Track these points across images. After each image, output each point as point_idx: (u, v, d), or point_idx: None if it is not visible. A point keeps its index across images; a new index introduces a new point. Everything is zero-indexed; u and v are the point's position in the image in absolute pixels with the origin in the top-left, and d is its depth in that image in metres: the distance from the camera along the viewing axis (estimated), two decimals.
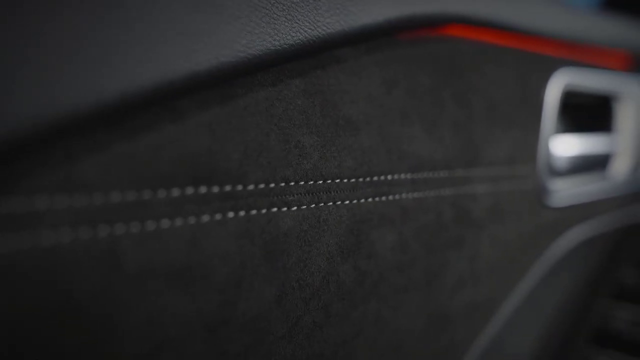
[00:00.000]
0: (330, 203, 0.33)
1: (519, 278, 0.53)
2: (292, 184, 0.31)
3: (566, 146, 0.60)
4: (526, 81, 0.50)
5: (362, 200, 0.35)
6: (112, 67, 0.23)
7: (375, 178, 0.36)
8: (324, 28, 0.33)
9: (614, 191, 0.66)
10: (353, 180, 0.34)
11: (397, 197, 0.37)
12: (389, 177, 0.37)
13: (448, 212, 0.41)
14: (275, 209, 0.30)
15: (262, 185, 0.29)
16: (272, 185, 0.30)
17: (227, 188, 0.28)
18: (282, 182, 0.30)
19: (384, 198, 0.36)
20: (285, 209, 0.31)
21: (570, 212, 0.59)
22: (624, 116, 0.69)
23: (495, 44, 0.47)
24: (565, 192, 0.58)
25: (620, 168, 0.69)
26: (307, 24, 0.32)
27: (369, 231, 0.35)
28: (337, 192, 0.33)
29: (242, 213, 0.28)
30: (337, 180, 0.33)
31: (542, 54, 0.54)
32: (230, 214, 0.28)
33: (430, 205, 0.40)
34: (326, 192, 0.33)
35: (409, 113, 0.38)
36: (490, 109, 0.45)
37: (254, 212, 0.29)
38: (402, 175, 0.38)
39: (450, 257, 0.42)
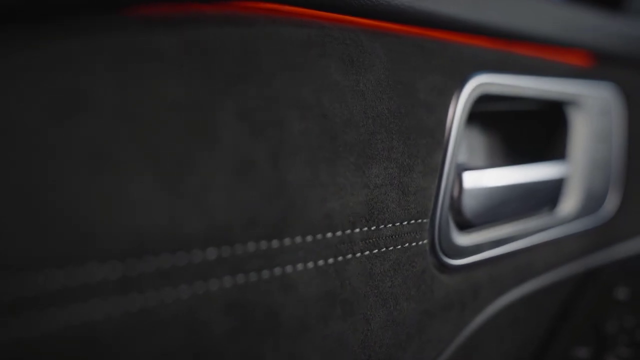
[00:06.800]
0: None
1: None
2: None
3: (490, 176, 0.42)
4: (413, 87, 0.32)
5: None
6: None
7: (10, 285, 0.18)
8: None
9: (558, 232, 0.48)
10: None
11: (74, 314, 0.19)
12: (48, 275, 0.19)
13: (220, 321, 0.24)
14: None
15: None
16: None
17: None
18: None
19: (31, 319, 0.18)
20: None
21: (491, 272, 0.41)
22: (576, 130, 0.50)
23: (345, 22, 0.29)
24: (484, 244, 0.40)
25: (569, 199, 0.50)
26: None
27: None
28: None
29: None
30: None
31: (449, 41, 0.36)
32: None
33: (171, 315, 0.22)
34: None
35: (122, 152, 0.20)
36: (327, 134, 0.27)
37: None
38: (95, 267, 0.20)
39: None
